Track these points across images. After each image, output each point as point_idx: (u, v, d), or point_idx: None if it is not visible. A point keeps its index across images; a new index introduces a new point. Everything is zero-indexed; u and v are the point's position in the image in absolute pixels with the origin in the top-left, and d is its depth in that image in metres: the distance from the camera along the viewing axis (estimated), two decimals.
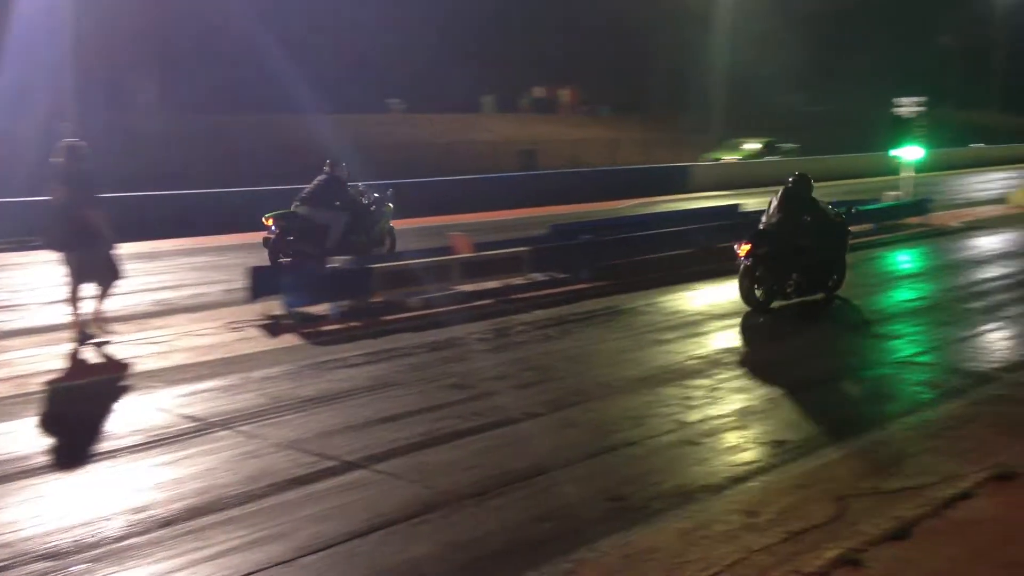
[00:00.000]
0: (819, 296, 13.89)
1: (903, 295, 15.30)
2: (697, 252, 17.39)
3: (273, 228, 16.40)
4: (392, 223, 17.95)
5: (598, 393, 9.78)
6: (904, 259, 19.25)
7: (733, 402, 9.48)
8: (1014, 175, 36.01)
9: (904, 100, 23.34)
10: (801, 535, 6.41)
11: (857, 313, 14.01)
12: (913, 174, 24.30)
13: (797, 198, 13.52)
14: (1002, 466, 7.53)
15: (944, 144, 45.92)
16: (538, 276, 15.70)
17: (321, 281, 13.62)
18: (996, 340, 12.11)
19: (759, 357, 11.52)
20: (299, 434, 8.41)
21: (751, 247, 12.89)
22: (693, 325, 12.91)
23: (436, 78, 49.87)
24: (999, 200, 28.65)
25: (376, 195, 17.54)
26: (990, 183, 35.40)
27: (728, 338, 12.27)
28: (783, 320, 13.27)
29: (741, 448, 8.21)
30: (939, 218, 23.59)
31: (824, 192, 28.62)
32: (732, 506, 6.97)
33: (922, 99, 23.25)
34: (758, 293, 13.19)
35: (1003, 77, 52.10)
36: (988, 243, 20.41)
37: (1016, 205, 27.05)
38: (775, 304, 13.36)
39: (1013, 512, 6.73)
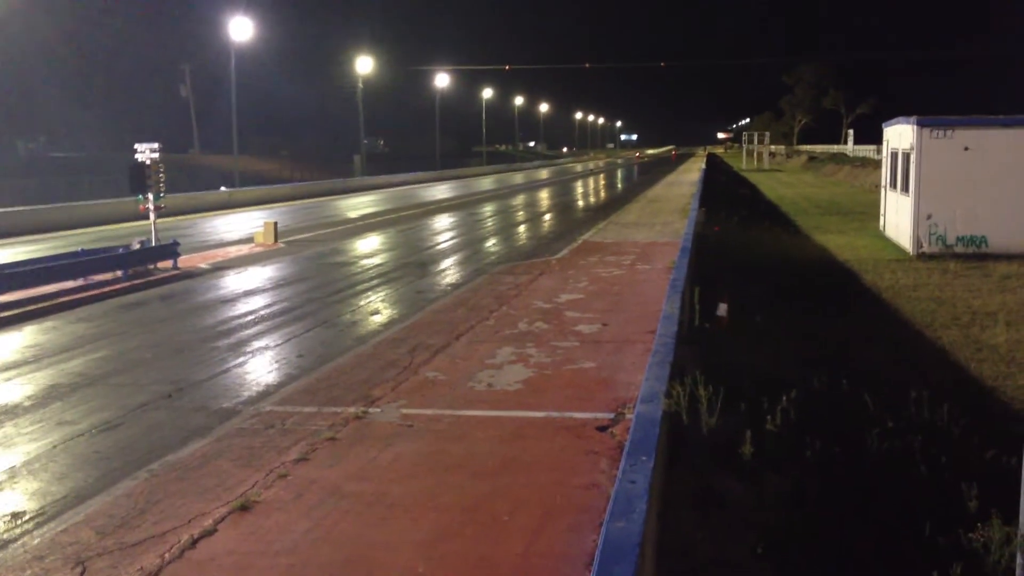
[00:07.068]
0: None
1: (152, 338, 15.30)
2: None
3: None
4: None
5: None
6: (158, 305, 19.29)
7: None
8: (262, 215, 38.52)
9: (142, 146, 23.44)
10: None
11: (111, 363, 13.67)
12: (153, 219, 24.41)
13: None
14: (242, 498, 7.93)
15: (194, 187, 47.59)
16: None
17: None
18: (241, 375, 12.73)
19: None
20: None
21: None
22: None
23: None
24: (247, 240, 30.39)
25: None
26: (237, 224, 37.37)
27: None
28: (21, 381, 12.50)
29: None
30: (189, 260, 24.26)
31: (72, 241, 27.85)
32: None
33: (157, 145, 23.53)
34: None
35: (240, 123, 56.03)
36: (235, 282, 21.43)
37: (261, 244, 28.96)
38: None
39: (248, 542, 7.11)
